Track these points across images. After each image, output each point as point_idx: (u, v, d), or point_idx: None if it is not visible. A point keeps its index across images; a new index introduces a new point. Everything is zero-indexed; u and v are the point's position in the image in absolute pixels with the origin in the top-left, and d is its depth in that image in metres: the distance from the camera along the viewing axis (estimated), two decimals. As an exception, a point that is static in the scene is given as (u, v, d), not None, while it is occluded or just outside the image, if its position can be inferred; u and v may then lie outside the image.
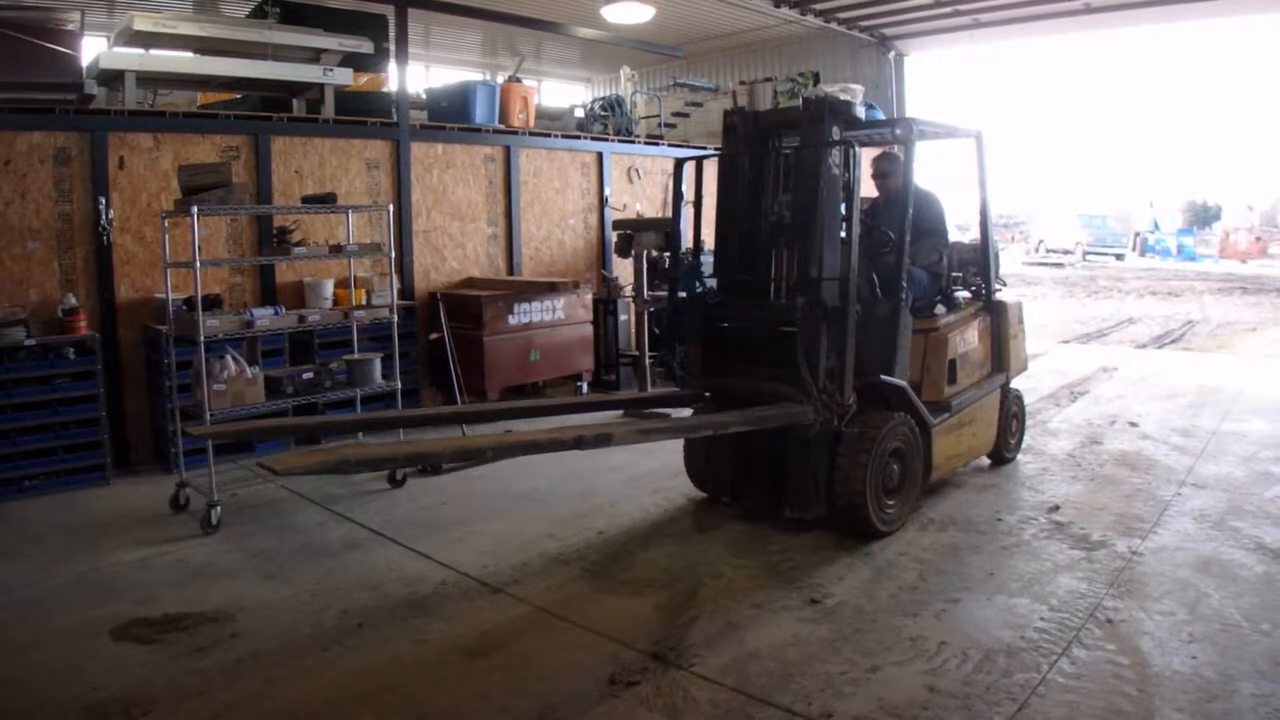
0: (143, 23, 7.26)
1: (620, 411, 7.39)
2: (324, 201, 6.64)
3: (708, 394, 5.48)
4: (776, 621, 4.01)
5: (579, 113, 10.94)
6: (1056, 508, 5.46)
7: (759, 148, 5.49)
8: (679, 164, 5.74)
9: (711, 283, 5.53)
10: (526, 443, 4.12)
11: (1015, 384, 6.49)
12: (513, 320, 8.14)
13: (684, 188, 5.85)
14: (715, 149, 6.49)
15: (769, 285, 5.43)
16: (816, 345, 4.81)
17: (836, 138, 4.96)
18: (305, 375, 6.16)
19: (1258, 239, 35.11)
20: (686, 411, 5.87)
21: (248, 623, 4.07)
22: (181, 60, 7.83)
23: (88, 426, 6.20)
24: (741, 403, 5.06)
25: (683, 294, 5.47)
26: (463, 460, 4.04)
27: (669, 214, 5.90)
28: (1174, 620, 3.93)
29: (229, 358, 5.74)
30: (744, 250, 5.44)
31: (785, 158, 5.45)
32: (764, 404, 4.93)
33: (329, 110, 7.84)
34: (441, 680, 3.56)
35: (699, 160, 5.75)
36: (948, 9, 11.22)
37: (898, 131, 5.63)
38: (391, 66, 8.68)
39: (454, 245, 8.79)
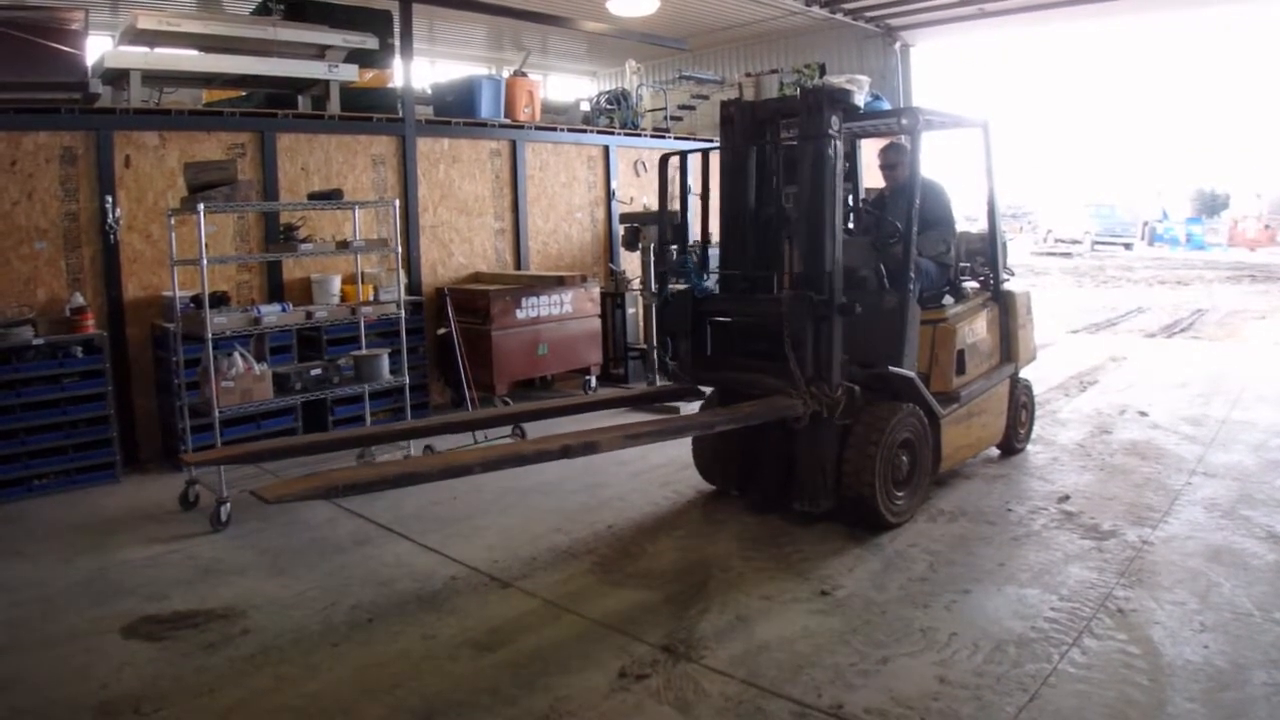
0: (147, 21, 7.26)
1: (629, 408, 7.37)
2: (330, 198, 6.65)
3: (700, 388, 5.46)
4: (786, 613, 4.00)
5: (585, 106, 10.90)
6: (1066, 498, 5.44)
7: (749, 141, 5.38)
8: (664, 159, 5.73)
9: (709, 277, 5.53)
10: (513, 455, 4.12)
11: (1024, 374, 6.46)
12: (520, 315, 8.12)
13: (687, 181, 5.82)
14: (700, 141, 6.43)
15: (762, 279, 5.39)
16: (803, 338, 4.79)
17: (835, 129, 4.92)
18: (313, 371, 6.20)
19: (1266, 227, 35.04)
20: (694, 406, 5.87)
21: (258, 619, 4.08)
22: (186, 58, 7.83)
23: (97, 425, 6.22)
24: (736, 397, 5.06)
25: (676, 286, 5.46)
26: (451, 477, 4.02)
27: (674, 207, 5.89)
28: (1185, 610, 3.91)
29: (237, 355, 5.75)
30: (740, 244, 5.41)
31: (788, 150, 5.35)
32: (755, 398, 4.92)
33: (334, 106, 7.84)
34: (452, 675, 3.57)
35: (683, 155, 5.72)
36: (953, -4, 11.19)
37: (903, 121, 5.59)
38: (396, 62, 8.67)
39: (461, 240, 8.79)
